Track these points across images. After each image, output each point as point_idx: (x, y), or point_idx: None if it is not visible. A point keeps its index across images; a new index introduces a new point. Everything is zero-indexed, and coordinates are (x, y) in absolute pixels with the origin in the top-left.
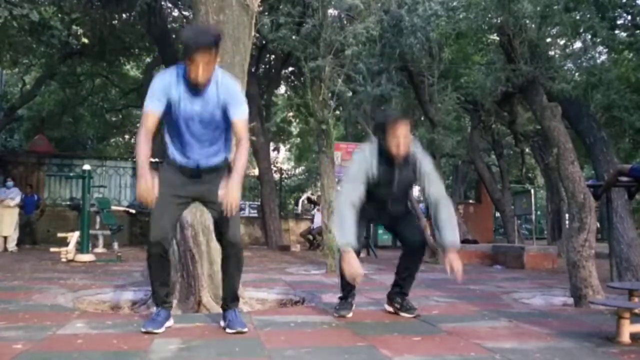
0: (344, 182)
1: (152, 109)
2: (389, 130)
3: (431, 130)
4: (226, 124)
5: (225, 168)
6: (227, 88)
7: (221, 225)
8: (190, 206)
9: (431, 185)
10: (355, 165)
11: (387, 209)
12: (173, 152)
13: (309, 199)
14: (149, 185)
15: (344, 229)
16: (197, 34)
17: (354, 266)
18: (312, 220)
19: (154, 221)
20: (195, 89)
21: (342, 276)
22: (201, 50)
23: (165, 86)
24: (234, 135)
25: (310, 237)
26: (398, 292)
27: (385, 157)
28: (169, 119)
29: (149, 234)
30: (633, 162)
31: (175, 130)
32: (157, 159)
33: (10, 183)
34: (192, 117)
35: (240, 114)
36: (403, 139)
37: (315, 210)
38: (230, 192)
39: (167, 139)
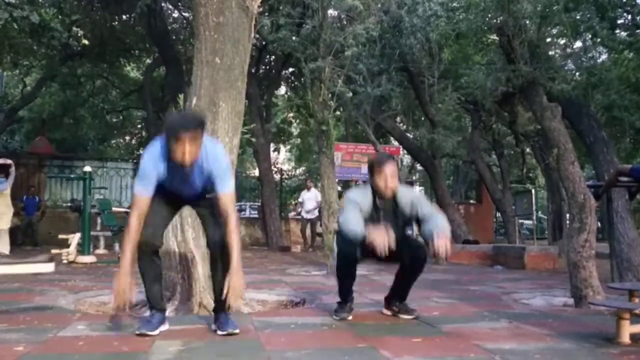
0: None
1: (143, 193)
2: (377, 170)
3: (431, 131)
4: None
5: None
6: (215, 160)
7: (207, 225)
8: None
9: (424, 208)
10: (350, 205)
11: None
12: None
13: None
14: (126, 287)
15: (355, 226)
16: (183, 118)
17: (382, 232)
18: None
19: (145, 221)
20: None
21: (340, 280)
22: (187, 133)
23: (154, 165)
24: (220, 211)
25: (310, 236)
26: (396, 297)
27: (377, 196)
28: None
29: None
30: (633, 162)
31: (162, 189)
32: None
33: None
34: (178, 189)
35: (225, 188)
36: (390, 177)
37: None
38: (233, 285)
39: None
